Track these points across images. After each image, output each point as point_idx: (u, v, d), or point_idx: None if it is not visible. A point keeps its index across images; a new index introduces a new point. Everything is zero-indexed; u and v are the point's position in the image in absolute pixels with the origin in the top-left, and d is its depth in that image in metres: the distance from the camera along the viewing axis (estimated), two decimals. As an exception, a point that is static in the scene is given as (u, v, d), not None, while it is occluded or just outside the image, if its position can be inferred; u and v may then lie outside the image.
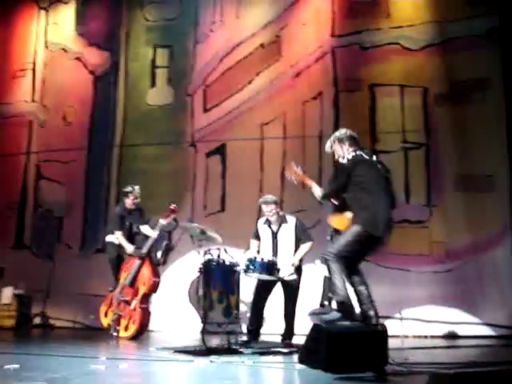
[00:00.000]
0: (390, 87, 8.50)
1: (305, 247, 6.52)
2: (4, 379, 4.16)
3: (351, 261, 4.82)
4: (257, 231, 6.73)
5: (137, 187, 7.76)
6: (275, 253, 6.48)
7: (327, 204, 8.02)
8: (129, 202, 7.69)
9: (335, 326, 5.28)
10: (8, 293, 8.56)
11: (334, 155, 5.13)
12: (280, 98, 8.85)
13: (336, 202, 5.09)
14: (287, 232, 6.53)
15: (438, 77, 8.27)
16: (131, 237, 7.75)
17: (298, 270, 6.47)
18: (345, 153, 5.04)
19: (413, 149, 8.22)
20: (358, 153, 4.98)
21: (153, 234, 7.33)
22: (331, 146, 5.16)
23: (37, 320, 8.93)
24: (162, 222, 7.29)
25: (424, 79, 8.37)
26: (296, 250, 6.50)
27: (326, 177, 8.24)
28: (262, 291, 6.57)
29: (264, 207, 6.63)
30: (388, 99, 8.48)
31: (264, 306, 6.60)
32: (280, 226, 6.60)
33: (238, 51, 9.19)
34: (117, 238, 7.63)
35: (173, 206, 7.37)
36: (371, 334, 4.83)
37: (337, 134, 5.21)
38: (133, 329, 7.06)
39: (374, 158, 5.06)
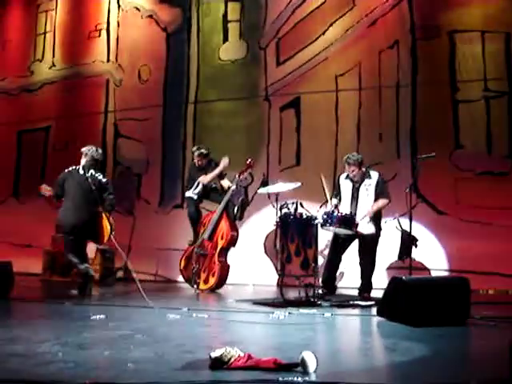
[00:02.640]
0: (470, 33, 8.09)
1: (379, 203, 6.44)
2: (92, 328, 4.37)
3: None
4: (338, 188, 6.69)
5: (195, 148, 7.86)
6: (355, 207, 6.44)
7: (404, 157, 7.97)
8: (196, 161, 7.80)
9: (415, 278, 5.24)
10: (92, 247, 8.85)
11: None
12: (355, 47, 8.60)
13: None
14: (369, 187, 6.47)
15: (522, 21, 7.81)
16: (207, 193, 7.82)
17: (377, 224, 6.41)
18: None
19: (495, 97, 7.86)
20: (76, 168, 6.61)
21: (231, 185, 7.41)
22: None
23: (120, 273, 9.25)
24: (239, 176, 7.37)
25: (506, 24, 7.91)
26: (376, 206, 6.45)
27: (403, 126, 8.12)
28: (338, 246, 6.56)
29: (346, 167, 6.56)
30: (468, 46, 8.09)
31: (340, 261, 6.61)
32: (362, 180, 6.52)
33: (311, 1, 8.94)
34: (194, 193, 7.73)
35: (249, 161, 7.42)
36: (452, 287, 4.76)
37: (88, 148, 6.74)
38: (212, 281, 7.23)
39: (89, 173, 6.52)
